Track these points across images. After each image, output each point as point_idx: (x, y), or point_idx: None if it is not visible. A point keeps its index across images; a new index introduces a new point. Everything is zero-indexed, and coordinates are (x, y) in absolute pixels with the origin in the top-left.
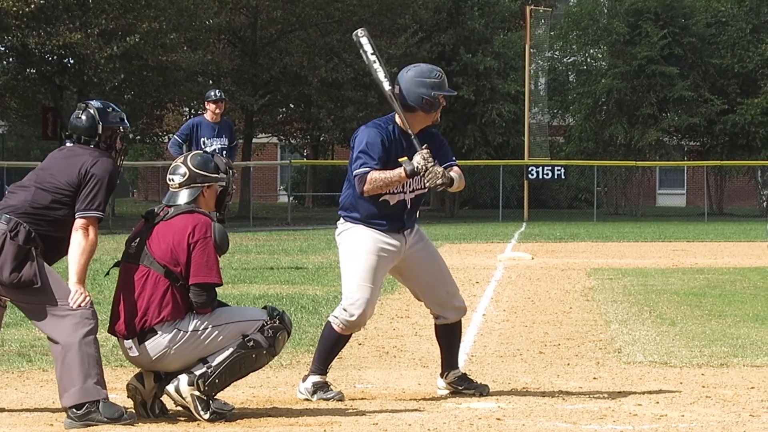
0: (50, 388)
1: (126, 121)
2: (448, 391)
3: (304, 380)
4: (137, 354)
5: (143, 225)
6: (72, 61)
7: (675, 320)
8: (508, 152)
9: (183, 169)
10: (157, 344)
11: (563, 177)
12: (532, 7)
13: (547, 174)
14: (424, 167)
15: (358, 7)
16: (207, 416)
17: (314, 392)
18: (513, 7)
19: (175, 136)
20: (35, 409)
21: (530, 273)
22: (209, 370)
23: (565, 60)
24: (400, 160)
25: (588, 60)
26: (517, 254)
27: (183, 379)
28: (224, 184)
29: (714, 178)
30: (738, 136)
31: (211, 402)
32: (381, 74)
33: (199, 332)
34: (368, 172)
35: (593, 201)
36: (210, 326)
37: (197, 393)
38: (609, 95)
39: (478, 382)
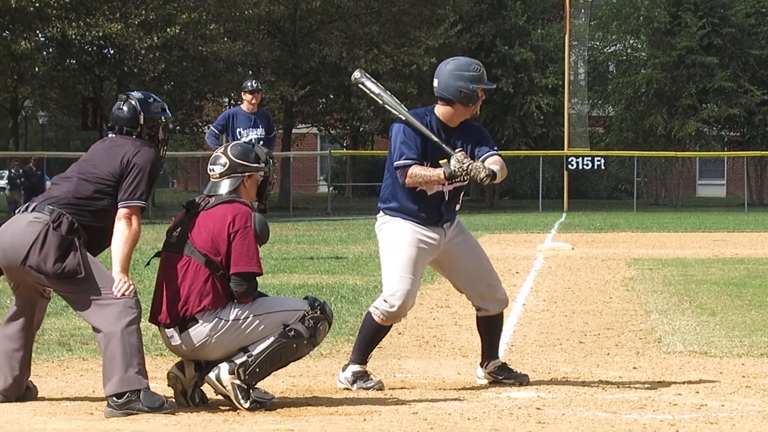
0: (90, 378)
1: (168, 111)
2: (487, 381)
3: (344, 369)
4: (178, 343)
5: (184, 215)
6: (112, 52)
7: (715, 310)
8: (548, 143)
9: (223, 159)
10: (198, 333)
11: (603, 168)
12: None
13: (587, 164)
14: (461, 170)
15: None
16: (247, 405)
17: (354, 381)
18: None
19: (211, 127)
20: (75, 398)
21: (570, 263)
22: (250, 360)
23: (605, 50)
24: (440, 162)
25: (628, 50)
26: (557, 244)
27: (224, 367)
28: (265, 173)
29: (754, 168)
30: None
31: (251, 391)
32: (394, 106)
33: (240, 321)
34: (409, 166)
35: (633, 191)
36: (251, 316)
37: (238, 382)
38: (649, 86)
39: (518, 372)
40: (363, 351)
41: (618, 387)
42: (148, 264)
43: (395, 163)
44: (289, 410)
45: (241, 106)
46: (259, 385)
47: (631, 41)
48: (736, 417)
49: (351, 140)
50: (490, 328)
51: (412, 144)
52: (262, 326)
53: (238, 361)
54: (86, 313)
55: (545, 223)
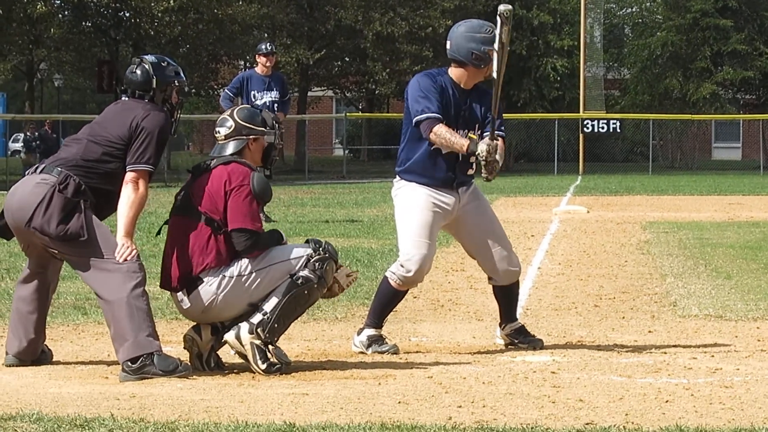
0: (105, 341)
1: (182, 75)
2: (503, 342)
3: (359, 333)
4: (188, 306)
5: (189, 179)
6: (128, 15)
7: (730, 274)
8: (564, 106)
9: (230, 122)
10: (205, 292)
11: (618, 131)
12: None
13: (603, 128)
14: (484, 158)
15: None
16: (263, 367)
17: (369, 345)
18: None
19: (226, 90)
20: (90, 362)
21: (585, 226)
22: (266, 317)
23: (620, 13)
24: (470, 136)
25: (644, 13)
26: (573, 207)
27: (243, 326)
28: (271, 139)
29: None
30: None
31: (269, 353)
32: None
33: (244, 277)
34: (436, 120)
35: (648, 154)
36: (255, 270)
37: (258, 342)
38: (664, 48)
39: (534, 336)
40: (378, 315)
41: (633, 351)
42: (158, 233)
43: (418, 117)
44: (304, 374)
45: (256, 68)
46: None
47: (647, 4)
48: (751, 381)
49: (366, 103)
50: (505, 295)
51: (433, 97)
52: (268, 279)
53: (256, 321)
54: (90, 278)
55: (560, 186)
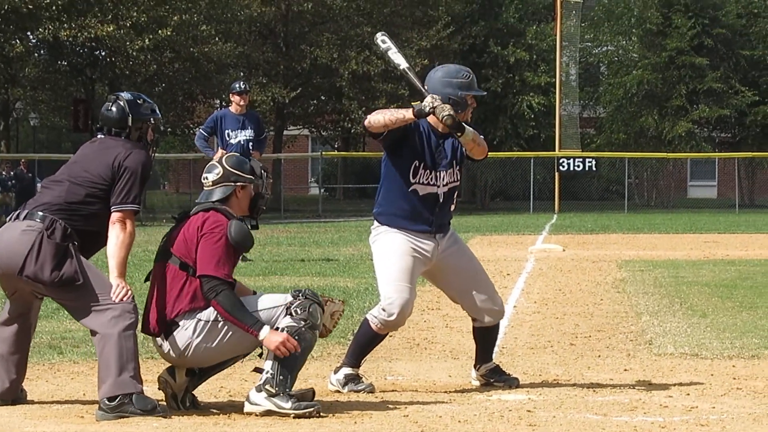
0: (81, 381)
1: (157, 112)
2: (479, 383)
3: (335, 372)
4: (167, 350)
5: (174, 225)
6: (103, 54)
7: (706, 312)
8: (539, 144)
9: (218, 168)
10: (180, 336)
11: (594, 169)
12: None
13: (578, 166)
14: (431, 105)
15: None
16: (289, 405)
17: (345, 383)
18: (544, 0)
19: (200, 129)
20: (66, 401)
21: (561, 265)
22: (269, 375)
23: (596, 51)
24: (412, 104)
25: (619, 51)
26: (549, 246)
27: (251, 392)
28: (258, 187)
29: (745, 169)
30: None
31: (286, 395)
32: (412, 75)
33: (220, 322)
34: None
35: (624, 193)
36: None
37: (268, 394)
38: (639, 86)
39: (509, 375)
40: (357, 356)
41: (609, 389)
42: (147, 279)
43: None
44: (279, 413)
45: (230, 107)
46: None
47: (623, 42)
48: (727, 419)
49: (342, 142)
50: (485, 337)
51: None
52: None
53: (262, 381)
54: (84, 318)
55: (536, 225)
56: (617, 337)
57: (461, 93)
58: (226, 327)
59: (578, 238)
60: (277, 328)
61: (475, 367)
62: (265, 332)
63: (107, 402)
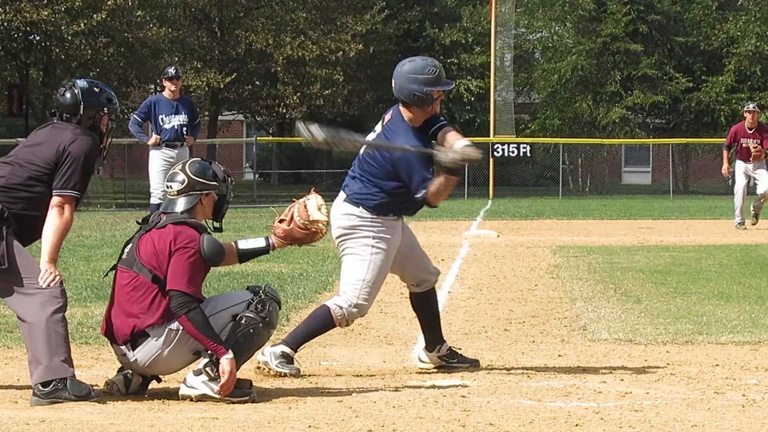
0: (15, 366)
1: (115, 102)
2: (430, 365)
3: (273, 345)
4: (133, 359)
5: (138, 231)
6: (38, 38)
7: (640, 298)
8: (474, 129)
9: (181, 177)
10: (150, 347)
11: (529, 155)
12: None
13: (513, 152)
14: (453, 161)
15: None
16: (217, 388)
17: (278, 358)
18: None
19: (134, 115)
20: None
21: (495, 250)
22: (214, 358)
23: (530, 37)
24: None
25: (554, 37)
26: (483, 232)
27: (188, 375)
28: (222, 192)
29: (679, 155)
30: (703, 114)
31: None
32: (349, 140)
33: None
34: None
35: (559, 179)
36: None
37: (206, 378)
38: (574, 73)
39: (469, 357)
40: (302, 340)
41: (543, 374)
42: (106, 275)
43: (420, 191)
44: (214, 398)
45: (163, 93)
46: None
47: (557, 28)
48: (661, 404)
49: (277, 127)
50: (430, 303)
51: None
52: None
53: (202, 364)
54: (12, 302)
55: (471, 211)
56: (551, 322)
57: (426, 89)
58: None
59: (513, 224)
60: (235, 315)
61: (428, 349)
62: (228, 356)
63: (41, 388)
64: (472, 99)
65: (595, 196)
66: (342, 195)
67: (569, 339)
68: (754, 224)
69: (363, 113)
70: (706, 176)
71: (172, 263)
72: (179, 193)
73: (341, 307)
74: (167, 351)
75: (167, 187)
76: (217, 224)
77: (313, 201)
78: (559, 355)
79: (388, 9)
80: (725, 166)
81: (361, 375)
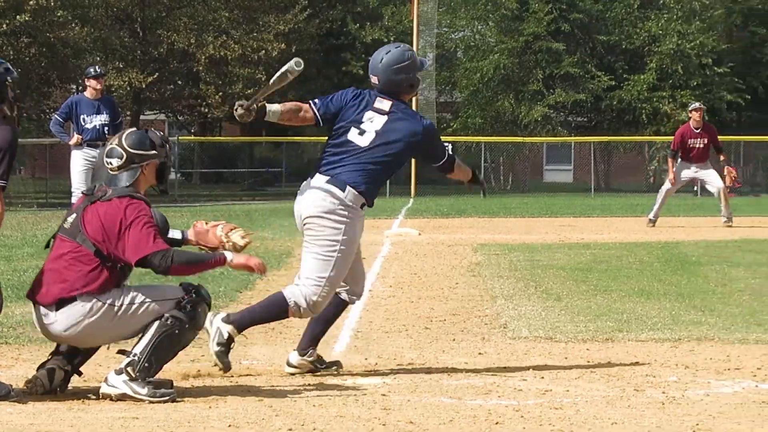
0: None
1: (12, 70)
2: (299, 370)
3: (223, 320)
4: (53, 322)
5: (82, 200)
6: None
7: (561, 295)
8: None
9: (119, 151)
10: (74, 311)
11: (451, 153)
12: None
13: None
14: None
15: None
16: (145, 391)
17: (218, 347)
18: None
19: (55, 115)
20: None
21: (417, 249)
22: (136, 358)
23: (453, 36)
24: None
25: (476, 36)
26: (404, 230)
27: (110, 374)
28: (162, 158)
29: (601, 153)
30: (624, 112)
31: (144, 381)
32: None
33: (116, 307)
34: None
35: (480, 177)
36: (126, 303)
37: (128, 378)
38: (496, 71)
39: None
40: (250, 324)
41: (463, 373)
42: (47, 246)
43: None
44: (134, 397)
45: (85, 93)
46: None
47: (479, 27)
48: (581, 402)
49: (199, 127)
50: (335, 314)
51: None
52: (138, 315)
53: (124, 363)
54: None
55: (392, 209)
56: (472, 320)
57: (413, 74)
58: (120, 312)
59: (434, 222)
60: (162, 315)
61: (302, 351)
62: (230, 256)
63: None
64: None
65: (517, 194)
66: (323, 177)
67: (490, 337)
68: (730, 226)
69: None
70: (628, 174)
71: (130, 236)
72: (120, 168)
73: (298, 305)
74: (89, 321)
75: (107, 163)
76: (162, 187)
77: (241, 233)
78: (480, 353)
79: (310, 8)
80: (671, 175)
81: (281, 374)
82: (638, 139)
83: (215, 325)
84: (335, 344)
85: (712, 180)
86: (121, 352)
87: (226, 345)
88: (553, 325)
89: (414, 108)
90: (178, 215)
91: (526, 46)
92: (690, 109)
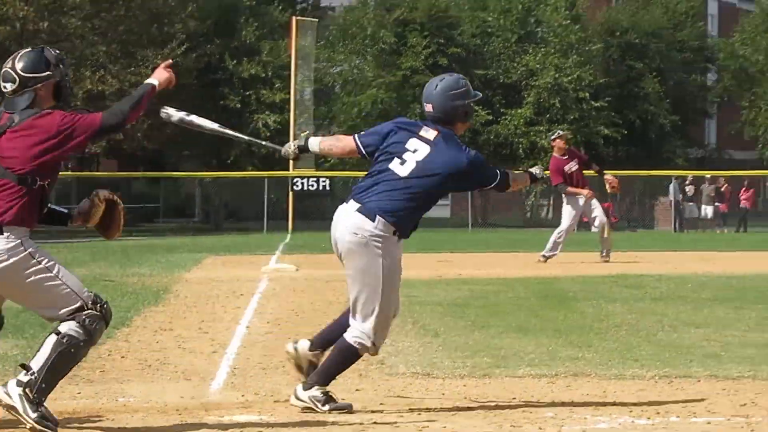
0: None
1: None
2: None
3: (306, 388)
4: None
5: None
6: None
7: (438, 331)
8: (274, 163)
9: (11, 75)
10: None
11: (328, 188)
12: (299, 17)
13: (312, 185)
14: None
15: (125, 18)
16: (35, 416)
17: (325, 402)
18: (282, 18)
19: None
20: None
21: (295, 284)
22: (34, 377)
23: (331, 70)
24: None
25: (354, 71)
26: (282, 266)
27: (11, 383)
28: (58, 77)
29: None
30: (502, 147)
31: (39, 405)
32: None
33: (34, 260)
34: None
35: None
36: (45, 265)
37: (24, 393)
38: (374, 105)
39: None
40: (331, 376)
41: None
42: None
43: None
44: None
45: None
46: None
47: (358, 62)
48: None
49: (77, 162)
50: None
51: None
52: (46, 284)
53: (24, 379)
54: None
55: (270, 245)
56: None
57: (468, 101)
58: (33, 269)
59: (312, 258)
60: (58, 333)
61: (310, 386)
62: (155, 81)
63: None
64: (269, 135)
65: None
66: (355, 204)
67: (367, 373)
68: (607, 261)
69: (162, 148)
70: (505, 209)
71: (77, 129)
72: (14, 92)
73: (364, 345)
74: (7, 262)
75: (3, 87)
76: (61, 105)
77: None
78: (357, 390)
79: (189, 42)
80: (584, 192)
81: (158, 411)
82: None
83: (305, 396)
84: (212, 381)
85: (598, 213)
86: (23, 366)
87: (330, 399)
88: (430, 361)
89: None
90: (54, 251)
91: (404, 81)
92: (553, 138)
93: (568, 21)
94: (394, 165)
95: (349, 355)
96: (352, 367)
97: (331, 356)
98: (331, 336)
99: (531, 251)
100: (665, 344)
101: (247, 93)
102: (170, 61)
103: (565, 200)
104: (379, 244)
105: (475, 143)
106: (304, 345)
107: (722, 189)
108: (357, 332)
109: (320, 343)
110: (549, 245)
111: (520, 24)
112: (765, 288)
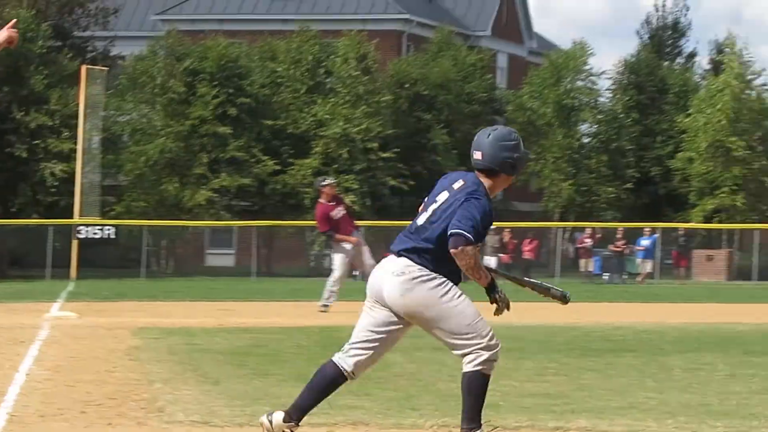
0: None
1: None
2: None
3: (468, 428)
4: None
5: None
6: None
7: (218, 379)
8: (59, 211)
9: None
10: None
11: (114, 236)
12: (89, 66)
13: (97, 233)
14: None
15: None
16: None
17: None
18: (72, 66)
19: None
20: None
21: (76, 332)
22: None
23: (120, 119)
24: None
25: (143, 120)
26: (64, 313)
27: None
28: None
29: (263, 237)
30: (289, 196)
31: None
32: None
33: None
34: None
35: (141, 260)
36: None
37: None
38: (161, 155)
39: None
40: (478, 412)
41: None
42: None
43: (468, 233)
44: None
45: None
46: None
47: (146, 110)
48: None
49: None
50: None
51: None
52: None
53: None
54: None
55: (52, 292)
56: (128, 405)
57: (516, 155)
58: None
59: (94, 306)
60: None
61: (290, 420)
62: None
63: None
64: (57, 183)
65: (178, 277)
66: (388, 257)
67: (146, 421)
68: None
69: None
70: (290, 258)
71: None
72: None
73: (482, 362)
74: None
75: None
76: None
77: None
78: None
79: None
80: (352, 240)
81: None
82: (301, 224)
83: None
84: None
85: (366, 257)
86: None
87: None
88: (209, 410)
89: (76, 191)
90: None
91: (193, 130)
92: (324, 184)
93: (358, 72)
94: (420, 215)
95: (482, 384)
96: (131, 415)
97: (466, 398)
98: (305, 404)
99: (313, 300)
100: (445, 394)
101: (35, 142)
102: (15, 20)
103: (333, 248)
104: (425, 271)
105: (262, 193)
106: (278, 417)
107: (505, 240)
108: (472, 357)
109: (295, 413)
110: (325, 294)
111: (310, 74)
112: (544, 338)
